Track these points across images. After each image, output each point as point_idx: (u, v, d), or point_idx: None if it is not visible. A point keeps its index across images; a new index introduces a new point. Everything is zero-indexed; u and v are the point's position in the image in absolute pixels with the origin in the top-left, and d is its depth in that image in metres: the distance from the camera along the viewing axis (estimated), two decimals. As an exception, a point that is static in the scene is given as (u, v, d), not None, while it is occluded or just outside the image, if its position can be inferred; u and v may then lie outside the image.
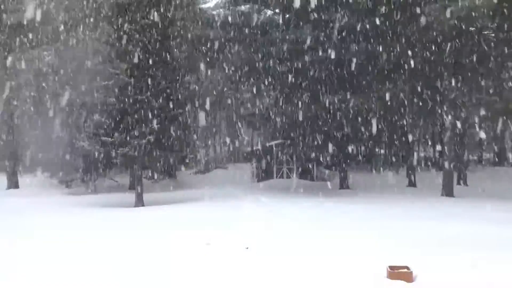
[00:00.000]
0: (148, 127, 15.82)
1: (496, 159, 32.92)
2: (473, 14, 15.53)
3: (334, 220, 11.54)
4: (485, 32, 18.28)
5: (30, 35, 21.09)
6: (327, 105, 18.78)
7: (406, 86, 20.29)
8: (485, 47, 17.85)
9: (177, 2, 19.01)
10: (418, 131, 29.32)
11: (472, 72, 18.86)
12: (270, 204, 15.51)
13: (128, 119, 16.03)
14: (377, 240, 8.52)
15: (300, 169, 25.92)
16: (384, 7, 18.14)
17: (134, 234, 9.74)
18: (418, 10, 17.09)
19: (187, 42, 21.65)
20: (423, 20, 16.71)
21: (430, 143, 34.25)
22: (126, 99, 15.88)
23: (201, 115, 21.00)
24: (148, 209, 14.93)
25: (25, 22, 20.28)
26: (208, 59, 23.47)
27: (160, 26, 16.51)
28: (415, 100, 20.96)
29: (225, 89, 27.86)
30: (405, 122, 22.29)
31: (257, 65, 20.75)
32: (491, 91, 18.67)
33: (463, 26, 16.67)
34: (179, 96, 17.00)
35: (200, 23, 23.16)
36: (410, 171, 23.25)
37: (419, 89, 20.28)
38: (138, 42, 16.13)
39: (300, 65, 19.09)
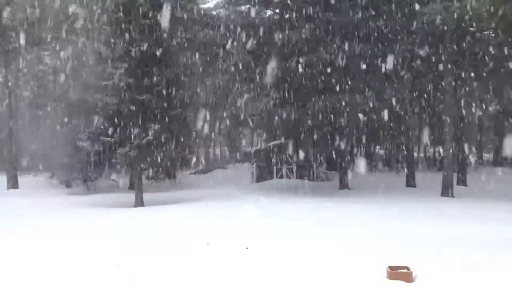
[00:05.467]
0: (148, 127, 15.81)
1: (496, 159, 32.95)
2: (471, 14, 15.53)
3: (334, 220, 11.54)
4: (485, 32, 18.28)
5: (30, 35, 21.06)
6: (327, 105, 18.75)
7: (406, 86, 20.27)
8: (486, 47, 17.84)
9: (177, 2, 19.00)
10: (418, 131, 29.35)
11: (472, 72, 18.85)
12: (270, 204, 15.50)
13: (128, 119, 16.03)
14: (377, 240, 8.53)
15: (299, 169, 25.90)
16: (384, 7, 18.14)
17: (134, 234, 9.73)
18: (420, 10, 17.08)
19: (187, 42, 21.62)
20: (424, 19, 16.69)
21: (430, 143, 34.27)
22: (126, 99, 15.87)
23: (201, 115, 20.98)
24: (148, 209, 14.93)
25: (24, 22, 20.27)
26: (208, 59, 23.46)
27: (160, 26, 16.49)
28: (416, 100, 20.98)
29: (225, 89, 27.82)
30: (405, 122, 22.28)
31: (257, 64, 20.72)
32: (491, 91, 18.69)
33: (464, 26, 16.66)
34: (179, 96, 16.98)
35: (200, 22, 23.13)
36: (409, 171, 23.25)
37: (419, 88, 20.29)
38: (138, 42, 16.12)
39: (300, 65, 19.06)
